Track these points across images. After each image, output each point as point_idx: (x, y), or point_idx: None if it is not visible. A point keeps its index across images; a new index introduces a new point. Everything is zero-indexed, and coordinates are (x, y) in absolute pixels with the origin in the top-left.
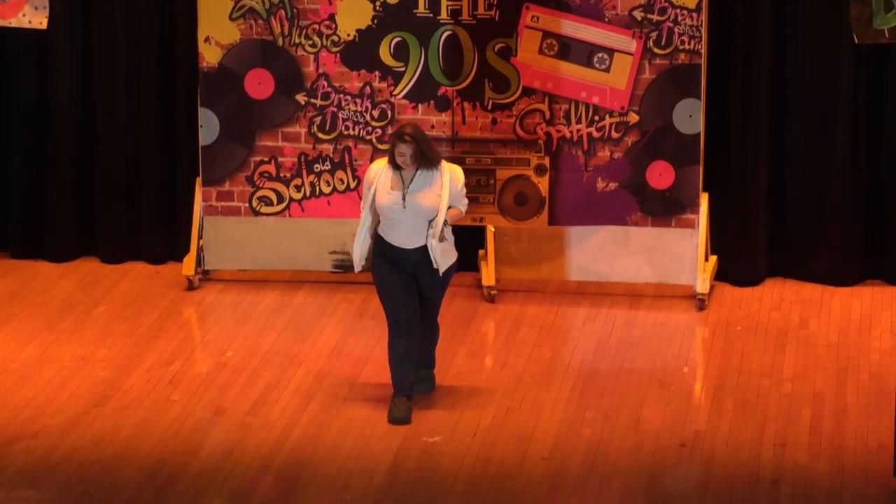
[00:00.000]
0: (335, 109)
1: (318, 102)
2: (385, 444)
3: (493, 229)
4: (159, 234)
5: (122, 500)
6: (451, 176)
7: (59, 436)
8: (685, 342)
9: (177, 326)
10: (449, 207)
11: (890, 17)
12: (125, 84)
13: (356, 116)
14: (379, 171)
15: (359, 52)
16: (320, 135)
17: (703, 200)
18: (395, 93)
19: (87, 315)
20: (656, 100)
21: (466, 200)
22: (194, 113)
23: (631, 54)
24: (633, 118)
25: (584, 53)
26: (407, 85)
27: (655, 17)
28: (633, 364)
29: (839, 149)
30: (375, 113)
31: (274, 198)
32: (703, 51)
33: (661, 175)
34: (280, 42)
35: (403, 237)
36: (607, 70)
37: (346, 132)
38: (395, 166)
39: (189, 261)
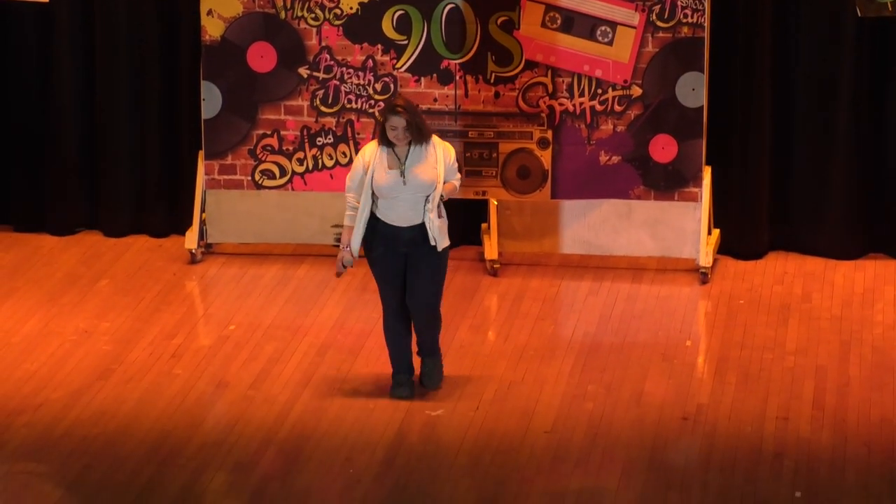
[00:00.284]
0: (338, 83)
1: (321, 76)
2: (388, 417)
3: (495, 203)
4: (162, 208)
5: (125, 473)
6: (444, 150)
7: (62, 409)
8: (688, 316)
9: (179, 300)
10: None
11: None
12: (128, 57)
13: (359, 90)
14: (373, 154)
15: (361, 26)
16: (323, 108)
17: (706, 174)
18: (397, 66)
19: (90, 288)
20: (659, 73)
21: (460, 175)
22: (197, 86)
23: (634, 27)
24: (636, 91)
25: (586, 26)
26: (409, 58)
27: None
28: (635, 337)
29: (842, 122)
30: (378, 86)
31: (276, 171)
32: (706, 24)
33: (663, 148)
34: (282, 15)
35: (401, 215)
36: (610, 43)
37: (348, 105)
38: (387, 143)
39: (191, 234)
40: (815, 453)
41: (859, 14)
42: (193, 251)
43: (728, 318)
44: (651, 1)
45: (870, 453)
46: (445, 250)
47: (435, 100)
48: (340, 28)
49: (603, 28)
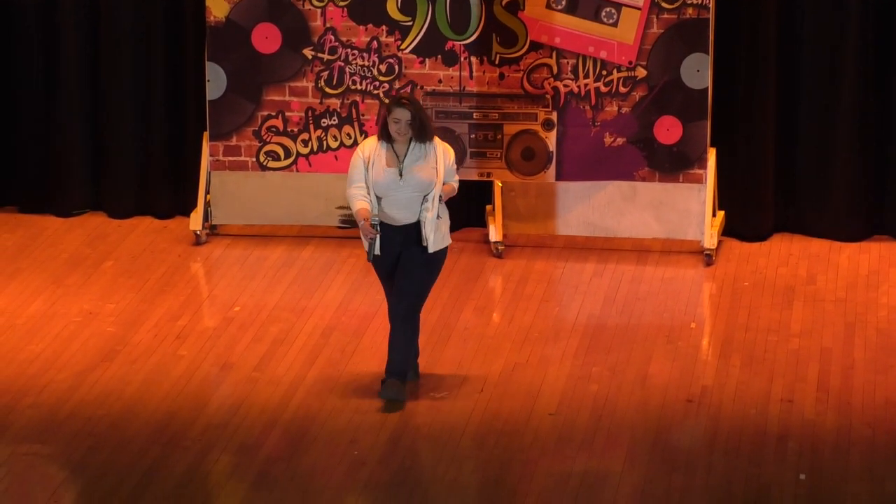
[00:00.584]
0: (342, 64)
1: (326, 57)
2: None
3: (500, 184)
4: (167, 189)
5: (130, 454)
6: (444, 151)
7: (67, 391)
8: (692, 298)
9: (184, 281)
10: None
11: None
12: (133, 38)
13: (363, 71)
14: (372, 150)
15: (366, 7)
16: (327, 89)
17: (711, 155)
18: (402, 47)
19: (95, 270)
20: (664, 54)
21: (458, 177)
22: (202, 67)
23: (639, 9)
24: (641, 73)
25: (591, 7)
26: (414, 39)
27: None
28: (640, 319)
29: (847, 104)
30: (383, 67)
31: (281, 152)
32: (711, 5)
33: (668, 130)
34: None
35: (397, 213)
36: (615, 24)
37: (353, 87)
38: (387, 137)
39: (196, 216)
40: (820, 435)
41: None
42: (198, 232)
43: (733, 300)
44: None
45: (874, 435)
46: (442, 251)
47: (439, 81)
48: (345, 9)
49: (608, 9)
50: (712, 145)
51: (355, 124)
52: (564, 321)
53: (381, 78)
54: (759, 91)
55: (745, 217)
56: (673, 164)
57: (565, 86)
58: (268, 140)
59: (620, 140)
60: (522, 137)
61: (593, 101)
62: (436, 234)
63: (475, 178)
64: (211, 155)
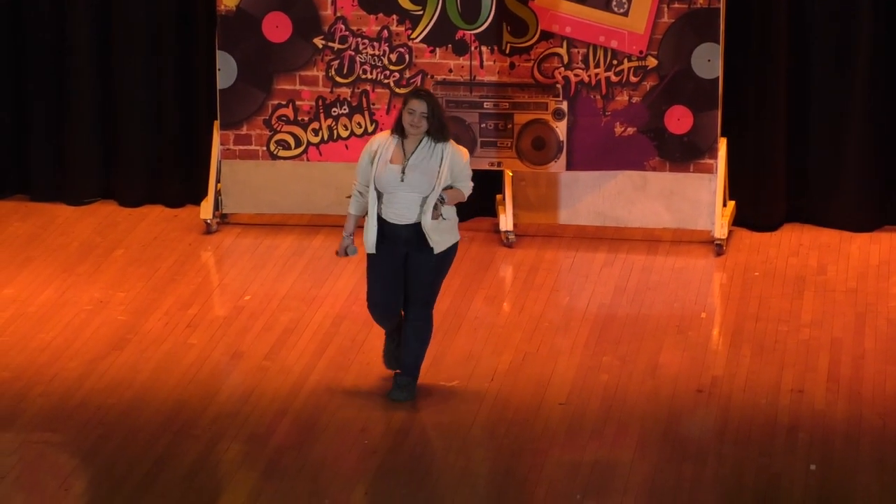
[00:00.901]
0: (353, 53)
1: (336, 46)
2: None
3: (510, 174)
4: (177, 178)
5: (140, 443)
6: (455, 154)
7: (77, 379)
8: (703, 287)
9: (194, 270)
10: (451, 187)
11: None
12: (144, 28)
13: (374, 60)
14: (382, 143)
15: None
16: (338, 78)
17: (722, 145)
18: (412, 36)
19: (106, 258)
20: (675, 44)
21: (471, 184)
22: (212, 56)
23: None
24: (652, 62)
25: None
26: (425, 29)
27: None
28: (650, 309)
29: (859, 93)
30: (393, 57)
31: (292, 141)
32: None
33: (679, 120)
34: None
35: (399, 212)
36: (626, 14)
37: (363, 76)
38: (400, 131)
39: (207, 204)
40: (830, 426)
41: None
42: (209, 221)
43: (743, 290)
44: None
45: (885, 426)
46: (451, 248)
47: (450, 70)
48: None
49: None
50: (723, 135)
51: (366, 113)
52: (575, 311)
53: (392, 67)
54: (770, 81)
55: (756, 207)
56: (683, 154)
57: (576, 75)
58: (278, 129)
59: (631, 130)
60: (533, 127)
61: (604, 91)
62: (440, 235)
63: (485, 167)
64: (221, 144)
